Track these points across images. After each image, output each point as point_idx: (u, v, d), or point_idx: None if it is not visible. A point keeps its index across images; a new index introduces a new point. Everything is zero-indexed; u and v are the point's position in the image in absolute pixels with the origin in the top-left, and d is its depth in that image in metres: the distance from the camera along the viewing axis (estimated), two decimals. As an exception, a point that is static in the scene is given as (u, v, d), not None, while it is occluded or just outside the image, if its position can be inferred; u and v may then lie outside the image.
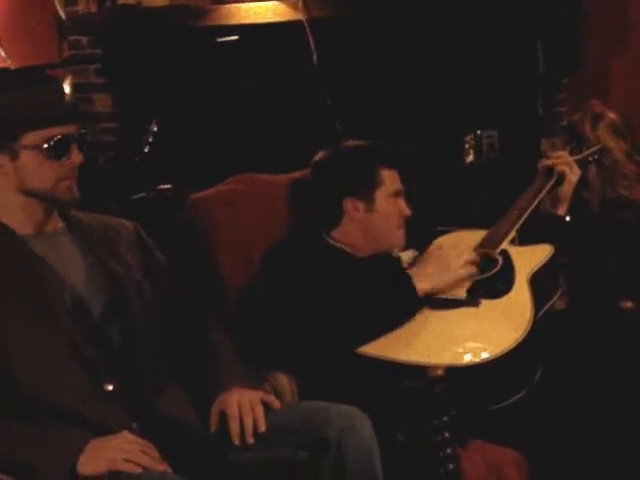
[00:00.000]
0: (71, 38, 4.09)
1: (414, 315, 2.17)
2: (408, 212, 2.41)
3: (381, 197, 2.38)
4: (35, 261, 1.91)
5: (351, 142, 2.47)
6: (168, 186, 3.56)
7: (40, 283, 1.88)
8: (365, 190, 2.38)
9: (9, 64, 3.70)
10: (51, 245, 1.96)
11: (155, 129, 3.59)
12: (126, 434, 1.77)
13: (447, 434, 2.03)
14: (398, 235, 2.42)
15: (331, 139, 2.64)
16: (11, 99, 1.89)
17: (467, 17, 3.64)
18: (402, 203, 2.41)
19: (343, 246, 2.40)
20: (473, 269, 2.26)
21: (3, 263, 1.89)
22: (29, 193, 1.92)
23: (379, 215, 2.38)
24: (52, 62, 3.85)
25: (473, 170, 3.60)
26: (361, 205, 2.38)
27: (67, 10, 4.01)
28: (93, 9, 3.93)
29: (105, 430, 1.77)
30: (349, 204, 2.38)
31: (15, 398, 1.81)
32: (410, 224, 2.44)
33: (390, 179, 2.40)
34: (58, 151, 1.90)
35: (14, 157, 1.90)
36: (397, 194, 2.40)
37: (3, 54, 3.74)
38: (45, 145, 1.89)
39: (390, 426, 2.04)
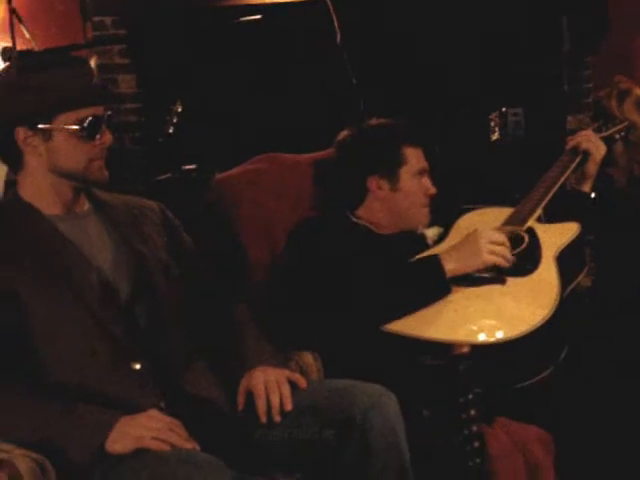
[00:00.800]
0: (95, 19, 4.10)
1: (443, 296, 2.16)
2: (433, 190, 2.41)
3: (405, 176, 2.38)
4: (63, 242, 1.93)
5: (375, 120, 2.46)
6: (193, 166, 3.57)
7: (68, 264, 1.90)
8: (389, 169, 2.37)
9: (33, 46, 3.71)
10: (78, 226, 1.97)
11: (179, 110, 3.60)
12: (154, 412, 1.79)
13: (473, 412, 2.03)
14: (422, 213, 2.41)
15: (355, 118, 2.63)
16: (44, 81, 1.90)
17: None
18: (427, 181, 2.40)
19: (367, 224, 2.40)
20: (502, 259, 2.22)
21: (31, 244, 1.90)
22: (61, 174, 1.94)
23: (403, 194, 2.38)
24: (76, 43, 3.86)
25: (499, 147, 3.58)
26: (385, 184, 2.37)
27: (91, -9, 4.02)
28: (117, -10, 3.94)
29: (133, 408, 1.79)
30: (373, 183, 2.37)
31: (43, 377, 1.83)
32: (435, 201, 2.43)
33: (415, 157, 2.39)
34: (91, 132, 1.92)
35: (48, 138, 1.91)
36: (422, 172, 2.40)
37: (27, 35, 3.76)
38: (78, 126, 1.90)
39: (415, 404, 2.05)
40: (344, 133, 2.47)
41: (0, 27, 4.29)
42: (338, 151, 2.47)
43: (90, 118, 1.91)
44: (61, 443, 1.73)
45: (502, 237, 2.24)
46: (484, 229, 2.24)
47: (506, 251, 2.22)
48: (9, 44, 3.69)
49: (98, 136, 1.93)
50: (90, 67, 2.01)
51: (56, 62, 1.94)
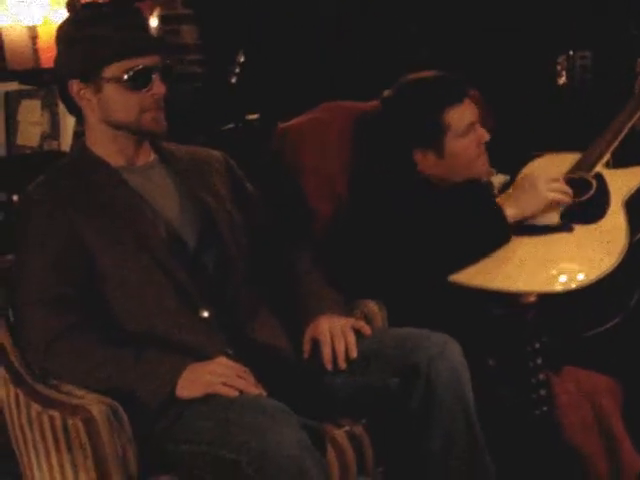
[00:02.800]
0: (158, -30, 4.09)
1: (506, 242, 2.14)
2: (486, 138, 2.32)
3: (451, 141, 2.29)
4: (130, 193, 1.95)
5: (414, 81, 2.34)
6: (256, 116, 3.57)
7: (135, 215, 1.92)
8: (432, 140, 2.29)
9: (97, -3, 3.73)
10: (144, 177, 1.99)
11: (242, 59, 3.59)
12: (222, 359, 1.81)
13: (539, 360, 2.02)
14: (479, 163, 2.35)
15: (417, 64, 2.59)
16: (93, 32, 1.90)
17: None
18: (477, 132, 2.30)
19: (429, 177, 2.36)
20: (562, 194, 2.20)
21: (99, 195, 1.93)
22: (116, 126, 1.95)
23: (452, 158, 2.30)
24: (140, -5, 3.87)
25: (566, 92, 3.51)
26: (431, 154, 2.30)
27: (154, -59, 4.01)
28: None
29: (201, 355, 1.82)
30: (419, 155, 2.31)
31: (113, 325, 1.87)
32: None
33: (458, 116, 2.28)
34: (138, 82, 1.91)
35: (98, 90, 1.92)
36: (469, 127, 2.29)
37: (92, -13, 3.77)
38: (125, 76, 1.90)
39: (481, 352, 2.04)
40: (385, 95, 2.39)
41: (65, -21, 4.31)
42: (380, 119, 2.41)
43: (138, 68, 1.90)
44: (132, 389, 1.77)
45: (557, 174, 2.21)
46: (543, 174, 2.21)
47: (565, 187, 2.19)
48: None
49: (149, 86, 1.91)
50: (140, 17, 1.99)
51: (109, 14, 1.94)
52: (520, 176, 2.34)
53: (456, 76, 2.34)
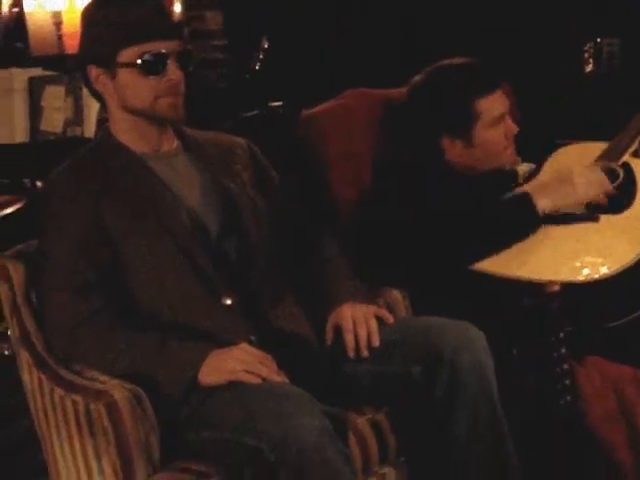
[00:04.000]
0: (182, -44, 4.08)
1: (533, 233, 2.12)
2: (514, 130, 2.30)
3: (480, 131, 2.27)
4: (153, 180, 1.94)
5: (446, 67, 2.32)
6: (280, 103, 3.57)
7: (158, 201, 1.92)
8: (461, 128, 2.27)
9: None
10: (168, 164, 1.99)
11: (266, 46, 3.59)
12: (245, 346, 1.81)
13: (563, 350, 2.01)
14: (507, 154, 2.33)
15: (444, 52, 2.57)
16: (106, 17, 1.89)
17: None
18: (506, 124, 2.29)
19: (455, 165, 2.35)
20: (602, 194, 2.17)
21: (122, 181, 1.93)
22: (132, 112, 1.93)
23: (480, 148, 2.28)
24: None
25: (593, 80, 3.47)
26: (459, 142, 2.29)
27: None
28: None
29: (224, 342, 1.81)
30: (446, 142, 2.29)
31: (136, 311, 1.87)
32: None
33: (489, 106, 2.27)
34: (152, 67, 1.88)
35: (113, 75, 1.91)
36: (499, 118, 2.28)
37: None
38: (139, 60, 1.88)
39: (505, 341, 2.03)
40: (415, 81, 2.38)
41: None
42: (409, 104, 2.38)
43: (152, 52, 1.87)
44: (155, 375, 1.77)
45: (598, 173, 2.17)
46: (578, 167, 2.17)
47: (606, 184, 2.16)
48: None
49: (161, 72, 1.89)
50: (160, 2, 1.96)
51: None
52: (552, 165, 2.31)
53: (489, 65, 2.32)
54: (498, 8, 3.65)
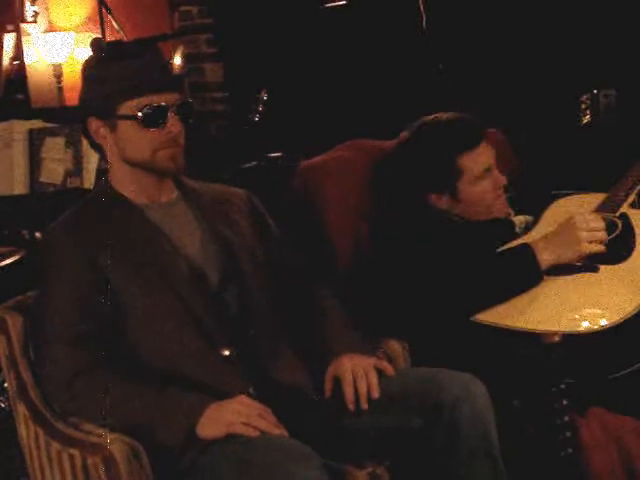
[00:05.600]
0: (182, 9, 4.15)
1: (536, 285, 2.11)
2: (503, 182, 2.30)
3: (465, 186, 2.28)
4: (151, 230, 1.95)
5: (428, 125, 2.33)
6: (278, 154, 3.59)
7: (157, 252, 1.92)
8: (446, 185, 2.28)
9: (122, 36, 3.78)
10: (167, 214, 1.99)
11: (265, 98, 3.62)
12: (244, 398, 1.80)
13: (565, 401, 1.99)
14: (497, 205, 2.33)
15: (442, 103, 2.59)
16: (107, 70, 1.91)
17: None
18: (493, 177, 2.29)
19: (451, 215, 2.35)
20: (602, 246, 2.16)
21: (121, 232, 1.93)
22: (133, 163, 1.95)
23: (467, 203, 2.30)
24: (164, 33, 3.92)
25: (590, 131, 3.50)
26: (446, 198, 2.30)
27: (177, -18, 4.07)
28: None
29: (222, 394, 1.80)
30: (433, 198, 2.31)
31: (134, 362, 1.86)
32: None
33: (472, 162, 2.28)
34: (152, 119, 1.90)
35: (113, 128, 1.93)
36: (485, 172, 2.28)
37: (116, 26, 3.83)
38: (140, 113, 1.90)
39: (506, 393, 2.02)
40: (401, 137, 2.39)
41: (90, 18, 4.38)
42: (395, 161, 2.39)
43: (152, 105, 1.89)
44: (153, 427, 1.76)
45: (600, 222, 2.17)
46: (580, 217, 2.16)
47: (605, 236, 2.16)
48: (99, 35, 3.76)
49: (161, 125, 1.90)
50: (159, 56, 1.99)
51: (127, 52, 1.95)
52: (550, 216, 2.31)
53: (473, 118, 2.33)
54: (495, 60, 3.69)
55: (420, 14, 3.51)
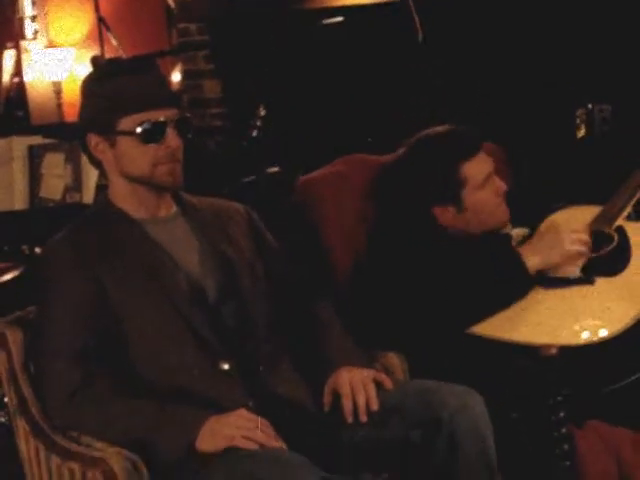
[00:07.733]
0: (180, 26, 4.17)
1: (526, 293, 2.13)
2: (504, 188, 2.32)
3: (469, 194, 2.29)
4: (150, 245, 1.96)
5: (426, 139, 2.35)
6: (277, 169, 3.60)
7: (156, 267, 1.93)
8: (451, 195, 2.29)
9: (121, 53, 3.81)
10: (165, 229, 2.00)
11: (263, 113, 3.63)
12: (243, 411, 1.80)
13: (562, 414, 2.00)
14: (500, 212, 2.35)
15: (438, 118, 2.60)
16: (106, 86, 1.93)
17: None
18: (494, 183, 2.31)
19: (449, 230, 2.36)
20: (585, 247, 2.20)
21: (120, 247, 1.94)
22: (132, 179, 1.96)
23: (473, 210, 2.30)
24: (162, 50, 3.94)
25: (585, 145, 3.52)
26: (451, 208, 2.31)
27: (176, -2, 4.10)
28: (201, -3, 4.01)
29: (221, 408, 1.81)
30: (438, 211, 2.31)
31: (134, 376, 1.87)
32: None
33: (474, 170, 2.29)
34: (151, 135, 1.91)
35: (113, 143, 1.94)
36: (487, 179, 2.30)
37: (115, 43, 3.85)
38: (138, 129, 1.91)
39: (504, 405, 2.02)
40: (399, 154, 2.40)
41: (89, 35, 4.41)
42: (396, 178, 2.40)
43: (151, 121, 1.90)
44: (152, 441, 1.76)
45: (582, 226, 2.21)
46: (564, 222, 2.21)
47: (586, 238, 2.19)
48: (98, 52, 3.79)
49: (160, 141, 1.92)
50: (157, 72, 2.01)
51: (125, 69, 1.97)
52: (541, 228, 2.33)
53: (469, 129, 2.35)
54: (491, 75, 3.71)
55: (416, 30, 3.54)
